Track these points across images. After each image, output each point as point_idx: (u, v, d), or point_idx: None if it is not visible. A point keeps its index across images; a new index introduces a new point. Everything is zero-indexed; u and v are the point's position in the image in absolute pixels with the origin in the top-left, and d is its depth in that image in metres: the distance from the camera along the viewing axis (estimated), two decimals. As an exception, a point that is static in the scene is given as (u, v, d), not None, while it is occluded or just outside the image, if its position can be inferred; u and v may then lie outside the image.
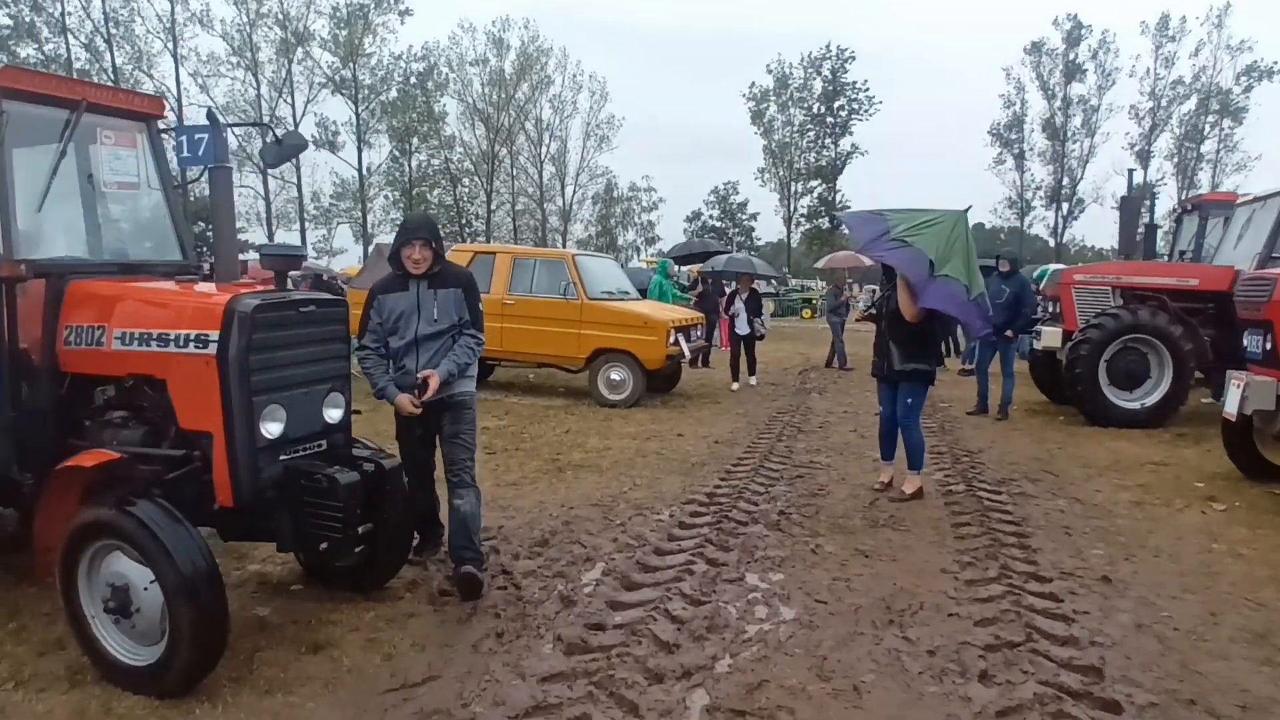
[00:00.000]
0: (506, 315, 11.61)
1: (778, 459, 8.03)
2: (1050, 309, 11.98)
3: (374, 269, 13.00)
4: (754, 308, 13.62)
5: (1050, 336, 11.12)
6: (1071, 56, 52.34)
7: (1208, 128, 50.08)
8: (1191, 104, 50.27)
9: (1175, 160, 50.72)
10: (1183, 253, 14.21)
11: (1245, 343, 6.93)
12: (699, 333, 12.65)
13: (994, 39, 78.60)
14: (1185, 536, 5.72)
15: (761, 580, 4.81)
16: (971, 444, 8.91)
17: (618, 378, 11.37)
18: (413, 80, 52.07)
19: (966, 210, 6.46)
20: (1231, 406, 6.66)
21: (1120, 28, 53.45)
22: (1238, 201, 12.13)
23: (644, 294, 14.74)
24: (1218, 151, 49.89)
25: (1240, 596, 4.64)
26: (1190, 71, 50.33)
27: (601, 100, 57.41)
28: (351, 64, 48.88)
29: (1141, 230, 14.19)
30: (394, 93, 51.52)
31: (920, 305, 6.17)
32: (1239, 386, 6.59)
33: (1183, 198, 43.16)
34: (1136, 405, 10.20)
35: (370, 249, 37.18)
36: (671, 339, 11.19)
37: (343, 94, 49.44)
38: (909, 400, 6.54)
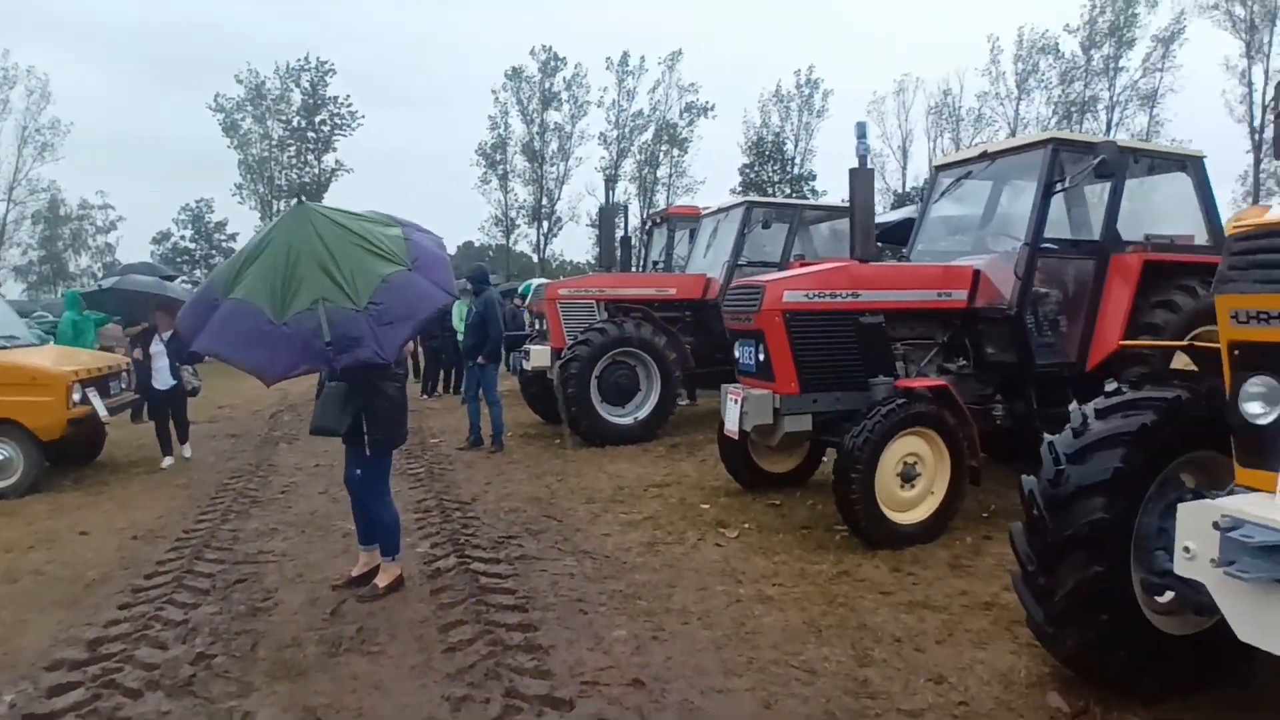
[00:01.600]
0: None
1: (215, 554, 5.90)
2: (538, 325, 11.35)
3: None
4: (182, 353, 9.14)
5: (539, 356, 10.40)
6: (548, 85, 55.68)
7: (661, 155, 56.68)
8: (649, 134, 56.50)
9: (637, 183, 56.64)
10: (655, 263, 14.74)
11: (736, 354, 6.57)
12: (125, 382, 9.70)
13: (482, 64, 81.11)
14: (709, 584, 4.94)
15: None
16: (465, 490, 7.63)
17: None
18: None
19: (301, 202, 4.92)
20: (732, 423, 6.20)
21: (590, 62, 57.50)
22: (702, 214, 12.67)
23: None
24: (670, 175, 56.81)
25: (787, 663, 3.86)
26: (648, 105, 56.53)
27: (42, 101, 47.51)
28: None
29: (618, 244, 14.37)
30: None
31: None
32: (737, 401, 6.15)
33: (645, 214, 48.11)
34: (630, 420, 9.88)
35: None
36: (77, 396, 8.30)
37: None
38: (358, 472, 4.96)
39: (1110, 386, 3.66)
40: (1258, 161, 43.21)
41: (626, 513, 6.65)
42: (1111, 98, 48.33)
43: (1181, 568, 2.72)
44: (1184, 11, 45.13)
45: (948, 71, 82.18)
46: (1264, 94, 42.74)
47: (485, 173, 56.43)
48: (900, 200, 43.67)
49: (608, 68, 55.87)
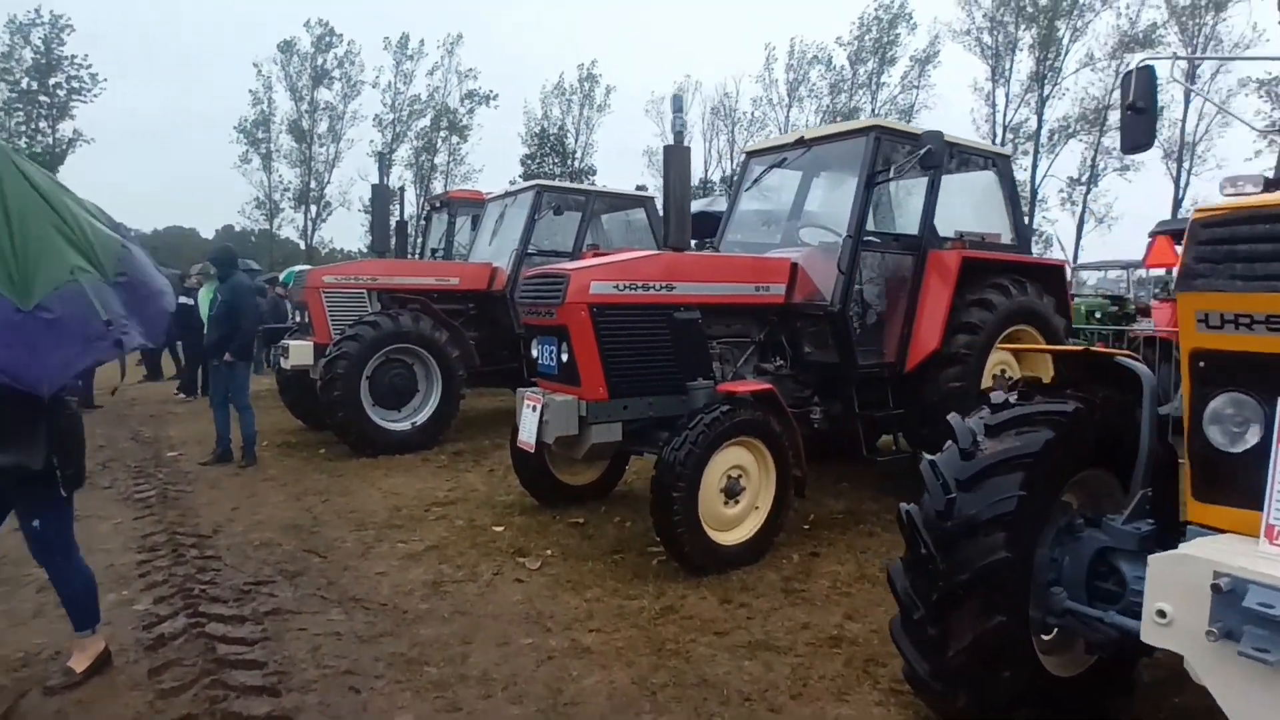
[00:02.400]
0: None
1: None
2: (300, 318, 9.88)
3: None
4: None
5: (300, 352, 8.98)
6: (320, 62, 51.99)
7: (440, 142, 54.42)
8: (427, 119, 54.06)
9: (414, 169, 53.99)
10: (434, 251, 13.56)
11: (534, 354, 5.68)
12: None
13: (240, 33, 73.95)
14: (512, 636, 4.01)
15: None
16: (205, 518, 6.20)
17: None
18: None
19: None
20: (529, 435, 5.30)
21: (366, 40, 53.90)
22: (487, 199, 11.64)
23: None
24: (449, 163, 54.62)
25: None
26: (426, 90, 54.06)
27: None
28: None
29: (393, 229, 13.03)
30: None
31: None
32: (535, 409, 5.26)
33: (422, 199, 45.89)
34: (407, 426, 8.71)
35: None
36: None
37: None
38: (35, 525, 3.54)
39: (998, 396, 3.10)
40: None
41: (406, 541, 5.57)
42: (873, 110, 51.58)
43: (1152, 635, 2.15)
44: (938, 35, 49.22)
45: (725, 76, 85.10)
46: (1004, 115, 47.44)
47: (246, 151, 51.91)
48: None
49: (385, 48, 52.99)
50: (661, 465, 4.79)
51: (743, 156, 7.53)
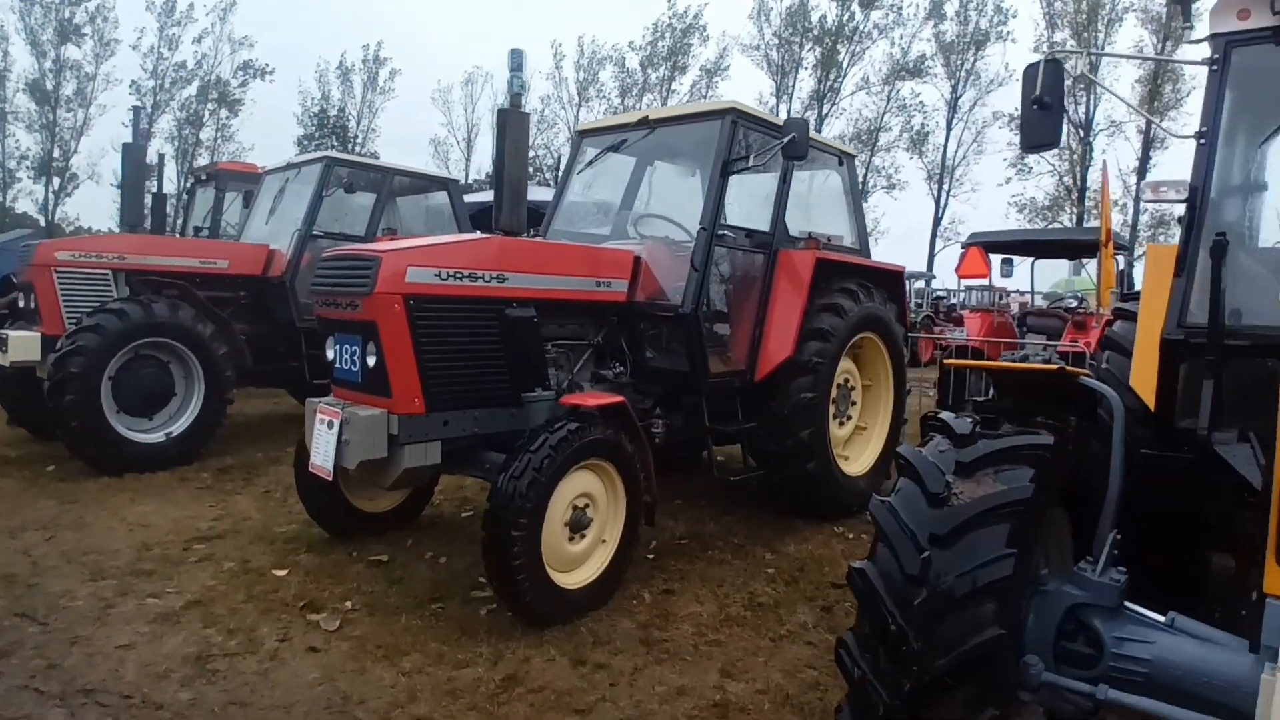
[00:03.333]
0: None
1: None
2: (22, 302, 8.02)
3: None
4: None
5: (23, 345, 7.23)
6: (69, 15, 45.78)
7: (207, 115, 49.57)
8: (193, 89, 49.08)
9: (176, 143, 48.82)
10: (198, 229, 11.80)
11: (330, 355, 4.58)
12: None
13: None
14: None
15: None
16: None
17: None
18: None
19: None
20: (325, 459, 4.20)
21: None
22: (263, 171, 10.13)
23: None
24: (215, 139, 49.84)
25: None
26: (194, 57, 49.05)
27: None
28: None
29: (147, 203, 11.16)
30: None
31: None
32: (333, 426, 4.19)
33: (186, 170, 41.50)
34: (161, 437, 7.20)
35: None
36: None
37: None
38: None
39: (961, 424, 2.49)
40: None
41: (159, 595, 4.31)
42: (661, 118, 52.11)
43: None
44: (728, 49, 50.62)
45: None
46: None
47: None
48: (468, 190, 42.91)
49: (148, 8, 47.47)
50: (498, 497, 3.89)
51: (573, 136, 6.71)
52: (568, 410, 4.31)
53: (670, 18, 51.07)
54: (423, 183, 9.98)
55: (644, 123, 5.97)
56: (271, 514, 5.85)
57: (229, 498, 6.31)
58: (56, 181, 47.49)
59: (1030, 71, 3.44)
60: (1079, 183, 42.28)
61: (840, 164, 6.78)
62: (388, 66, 52.54)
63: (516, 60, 4.74)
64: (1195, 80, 38.77)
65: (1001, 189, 47.17)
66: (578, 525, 4.24)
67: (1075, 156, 42.14)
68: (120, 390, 6.92)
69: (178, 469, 7.03)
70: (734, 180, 5.81)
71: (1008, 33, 44.81)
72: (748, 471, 5.78)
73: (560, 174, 6.67)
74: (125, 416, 7.00)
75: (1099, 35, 41.72)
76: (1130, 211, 40.51)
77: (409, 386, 4.22)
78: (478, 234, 4.92)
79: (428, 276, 4.26)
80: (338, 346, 4.48)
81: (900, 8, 46.77)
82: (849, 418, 6.54)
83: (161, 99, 48.18)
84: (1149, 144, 40.84)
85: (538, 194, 13.11)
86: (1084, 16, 41.59)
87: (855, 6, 47.53)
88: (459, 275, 4.40)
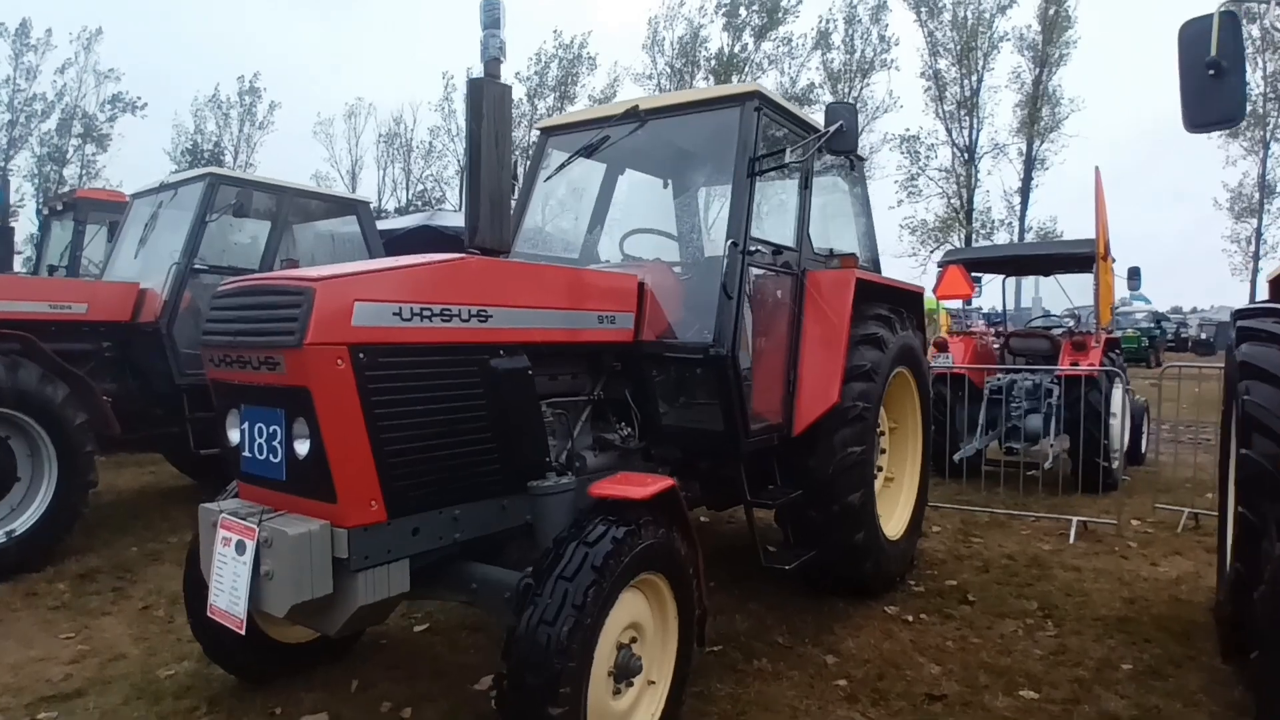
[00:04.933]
0: None
1: None
2: None
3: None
4: None
5: None
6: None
7: (71, 150, 45.80)
8: (53, 123, 45.28)
9: (36, 181, 44.76)
10: (53, 269, 9.96)
11: (235, 438, 3.09)
12: None
13: None
14: None
15: None
16: None
17: None
18: None
19: None
20: (235, 603, 2.71)
21: None
22: (131, 198, 8.41)
23: None
24: (81, 176, 45.91)
25: None
26: (54, 89, 45.31)
27: None
28: None
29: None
30: None
31: None
32: (243, 551, 2.73)
33: (42, 200, 38.08)
34: (1, 537, 5.50)
35: None
36: None
37: None
38: None
39: None
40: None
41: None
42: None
43: None
44: (619, 78, 49.85)
45: (402, 103, 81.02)
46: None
47: None
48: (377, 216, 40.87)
49: (1, 35, 43.57)
50: (522, 652, 2.54)
51: (539, 137, 5.38)
52: (600, 503, 2.98)
53: (556, 47, 50.12)
54: (327, 205, 8.42)
55: (632, 114, 4.70)
56: (153, 646, 4.28)
57: (93, 621, 4.68)
58: None
59: (1196, 29, 2.52)
60: (966, 204, 43.01)
61: (851, 167, 5.69)
62: (265, 98, 49.93)
63: (492, 13, 3.40)
64: (1075, 105, 40.50)
65: (893, 211, 47.60)
66: (625, 672, 2.91)
67: (961, 179, 42.91)
68: (-63, 480, 5.23)
69: (22, 578, 5.36)
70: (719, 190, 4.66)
71: (891, 60, 45.43)
72: (797, 555, 4.51)
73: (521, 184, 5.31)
74: (-54, 514, 5.30)
75: (979, 63, 42.83)
76: (1016, 230, 41.65)
77: (362, 482, 2.80)
78: (445, 255, 3.52)
79: (383, 316, 2.87)
80: (246, 425, 3.01)
81: (790, 39, 47.07)
82: (879, 469, 5.40)
83: (18, 134, 44.31)
84: (1030, 165, 42.03)
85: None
86: (962, 45, 42.58)
87: (747, 37, 47.62)
88: (426, 313, 3.03)
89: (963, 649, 4.29)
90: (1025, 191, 42.20)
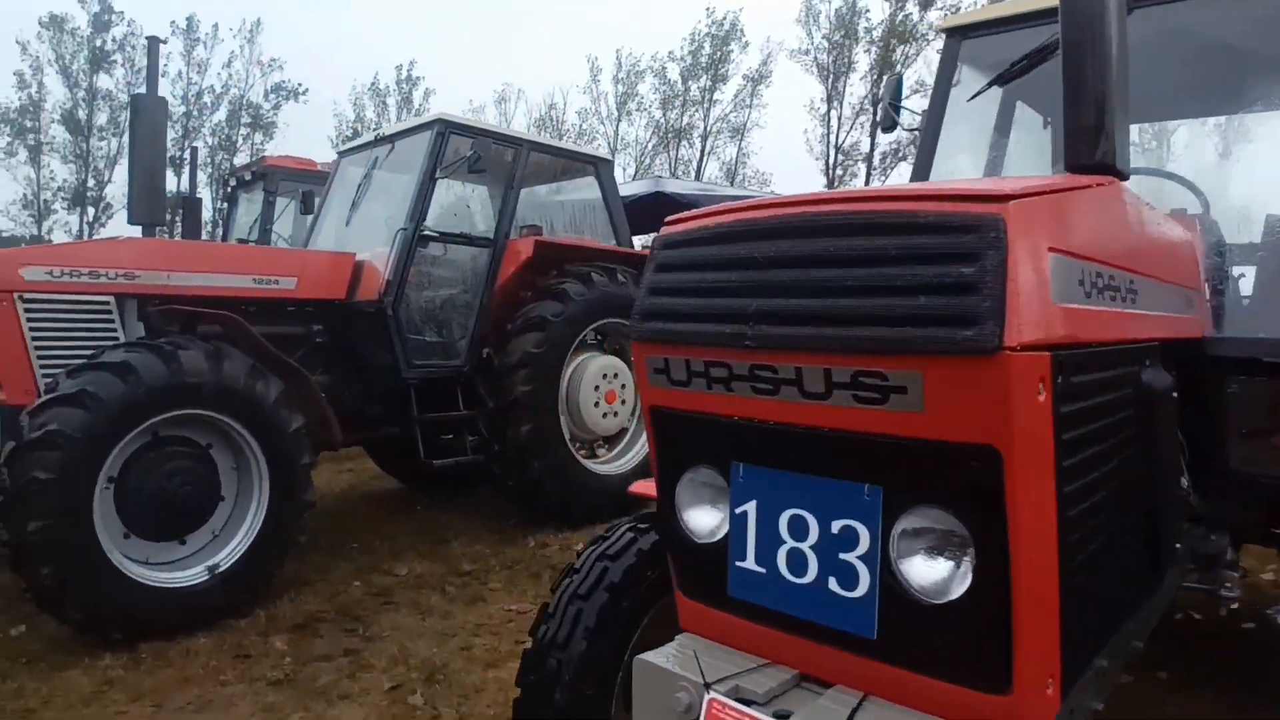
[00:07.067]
0: None
1: None
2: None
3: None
4: None
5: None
6: (99, 43, 44.03)
7: (241, 140, 47.50)
8: (222, 114, 47.12)
9: (209, 170, 46.57)
10: (243, 241, 9.04)
11: (699, 520, 1.61)
12: None
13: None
14: None
15: None
16: None
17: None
18: None
19: None
20: None
21: (150, 22, 46.07)
22: (337, 159, 7.13)
23: None
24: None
25: None
26: (220, 81, 47.17)
27: None
28: None
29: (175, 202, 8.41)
30: None
31: None
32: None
33: (225, 175, 39.60)
34: (200, 574, 4.25)
35: None
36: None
37: None
38: None
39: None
40: (831, 198, 46.86)
41: None
42: (706, 127, 49.40)
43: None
44: (772, 54, 47.62)
45: (553, 86, 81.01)
46: (836, 136, 46.39)
47: (12, 143, 43.57)
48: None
49: (173, 33, 45.57)
50: None
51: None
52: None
53: (709, 26, 48.27)
54: (565, 160, 6.82)
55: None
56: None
57: (329, 712, 3.35)
58: (91, 212, 45.59)
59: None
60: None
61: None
62: (421, 86, 50.40)
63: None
64: None
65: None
66: None
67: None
68: (129, 502, 4.04)
69: (228, 628, 4.14)
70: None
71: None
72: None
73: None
74: (139, 542, 4.11)
75: None
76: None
77: (1046, 647, 1.23)
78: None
79: (1071, 288, 1.28)
80: (757, 508, 1.46)
81: (959, 7, 43.55)
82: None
83: (192, 125, 46.23)
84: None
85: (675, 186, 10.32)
86: None
87: (912, 6, 44.47)
88: (1111, 283, 1.44)
89: None
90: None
